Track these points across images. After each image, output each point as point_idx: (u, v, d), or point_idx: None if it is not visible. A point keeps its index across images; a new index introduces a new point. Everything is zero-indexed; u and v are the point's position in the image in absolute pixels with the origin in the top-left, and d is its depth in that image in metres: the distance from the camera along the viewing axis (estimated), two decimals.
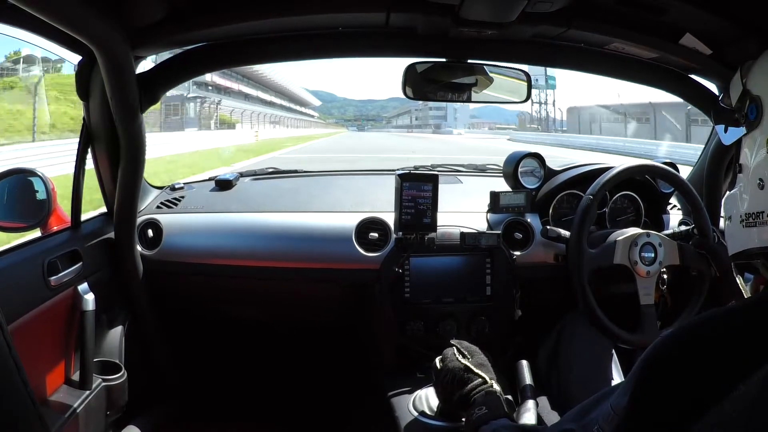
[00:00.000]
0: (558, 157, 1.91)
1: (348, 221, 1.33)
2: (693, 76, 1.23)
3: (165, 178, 3.81)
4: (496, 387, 0.84)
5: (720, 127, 0.72)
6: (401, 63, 1.17)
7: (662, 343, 0.52)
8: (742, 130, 0.63)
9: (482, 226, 1.34)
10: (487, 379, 0.84)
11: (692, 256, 1.27)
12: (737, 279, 0.90)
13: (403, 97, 1.17)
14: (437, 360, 0.93)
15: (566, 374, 1.23)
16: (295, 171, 1.76)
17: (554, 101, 48.46)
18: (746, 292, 0.86)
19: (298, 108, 76.01)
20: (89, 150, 1.16)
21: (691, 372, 0.47)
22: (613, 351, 1.25)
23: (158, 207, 1.42)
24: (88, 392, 1.05)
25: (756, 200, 0.59)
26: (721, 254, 1.23)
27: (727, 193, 0.67)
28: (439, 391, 0.93)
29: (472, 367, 0.87)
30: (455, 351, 0.92)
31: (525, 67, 1.22)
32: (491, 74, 1.18)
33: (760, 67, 0.63)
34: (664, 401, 0.48)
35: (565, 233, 1.27)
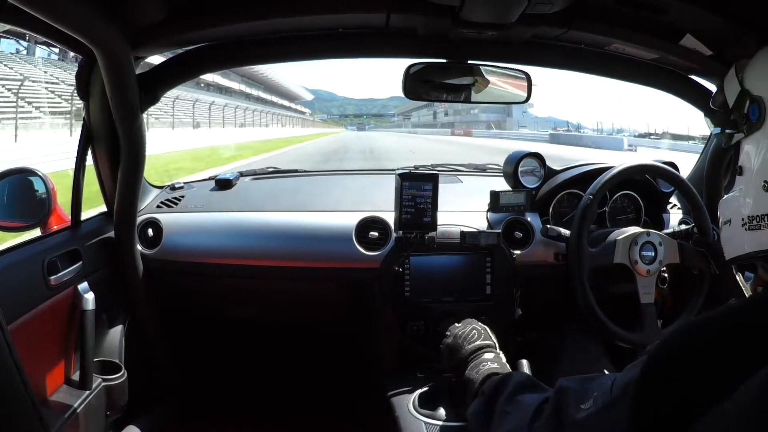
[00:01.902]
0: None
1: (348, 220, 1.33)
2: (693, 77, 1.23)
3: None
4: (503, 357, 0.89)
5: (716, 130, 0.70)
6: (402, 62, 1.18)
7: (662, 343, 0.52)
8: (745, 131, 0.62)
9: (482, 226, 1.34)
10: (498, 347, 0.92)
11: (692, 254, 1.27)
12: (737, 278, 0.90)
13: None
14: (456, 324, 1.02)
15: (567, 374, 1.23)
16: (296, 170, 1.76)
17: None
18: (746, 290, 0.86)
19: (274, 99, 64.59)
20: (89, 150, 1.16)
21: (691, 372, 0.47)
22: (613, 351, 1.25)
23: (158, 206, 1.42)
24: (88, 392, 1.05)
25: (760, 203, 0.57)
26: (721, 253, 1.23)
27: (725, 195, 0.66)
28: (450, 343, 0.97)
29: (490, 333, 0.95)
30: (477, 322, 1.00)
31: (525, 68, 1.23)
32: (491, 75, 1.19)
33: (758, 66, 0.62)
34: (664, 401, 0.48)
35: (566, 232, 1.27)
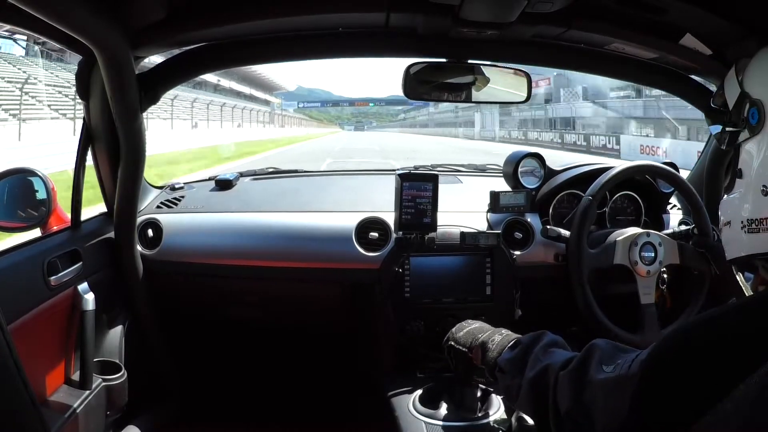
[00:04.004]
0: None
1: (348, 221, 1.33)
2: (693, 77, 1.23)
3: None
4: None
5: (714, 129, 0.70)
6: (402, 60, 1.17)
7: (662, 341, 0.52)
8: (744, 134, 0.61)
9: (482, 226, 1.34)
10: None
11: (692, 255, 1.27)
12: (738, 278, 0.90)
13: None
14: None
15: None
16: (296, 171, 1.76)
17: None
18: (746, 290, 0.86)
19: (225, 84, 42.15)
20: (89, 150, 1.16)
21: (691, 371, 0.47)
22: None
23: (158, 207, 1.42)
24: (88, 392, 1.05)
25: (759, 206, 0.57)
26: (721, 253, 1.23)
27: (725, 197, 0.66)
28: (460, 336, 0.93)
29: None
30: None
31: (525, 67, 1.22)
32: (491, 74, 1.19)
33: (757, 68, 0.61)
34: (664, 399, 0.48)
35: (565, 233, 1.27)
